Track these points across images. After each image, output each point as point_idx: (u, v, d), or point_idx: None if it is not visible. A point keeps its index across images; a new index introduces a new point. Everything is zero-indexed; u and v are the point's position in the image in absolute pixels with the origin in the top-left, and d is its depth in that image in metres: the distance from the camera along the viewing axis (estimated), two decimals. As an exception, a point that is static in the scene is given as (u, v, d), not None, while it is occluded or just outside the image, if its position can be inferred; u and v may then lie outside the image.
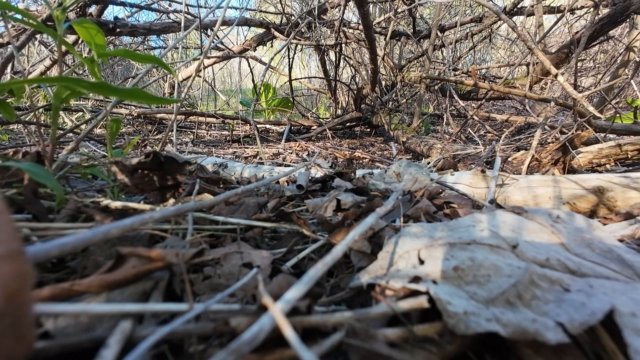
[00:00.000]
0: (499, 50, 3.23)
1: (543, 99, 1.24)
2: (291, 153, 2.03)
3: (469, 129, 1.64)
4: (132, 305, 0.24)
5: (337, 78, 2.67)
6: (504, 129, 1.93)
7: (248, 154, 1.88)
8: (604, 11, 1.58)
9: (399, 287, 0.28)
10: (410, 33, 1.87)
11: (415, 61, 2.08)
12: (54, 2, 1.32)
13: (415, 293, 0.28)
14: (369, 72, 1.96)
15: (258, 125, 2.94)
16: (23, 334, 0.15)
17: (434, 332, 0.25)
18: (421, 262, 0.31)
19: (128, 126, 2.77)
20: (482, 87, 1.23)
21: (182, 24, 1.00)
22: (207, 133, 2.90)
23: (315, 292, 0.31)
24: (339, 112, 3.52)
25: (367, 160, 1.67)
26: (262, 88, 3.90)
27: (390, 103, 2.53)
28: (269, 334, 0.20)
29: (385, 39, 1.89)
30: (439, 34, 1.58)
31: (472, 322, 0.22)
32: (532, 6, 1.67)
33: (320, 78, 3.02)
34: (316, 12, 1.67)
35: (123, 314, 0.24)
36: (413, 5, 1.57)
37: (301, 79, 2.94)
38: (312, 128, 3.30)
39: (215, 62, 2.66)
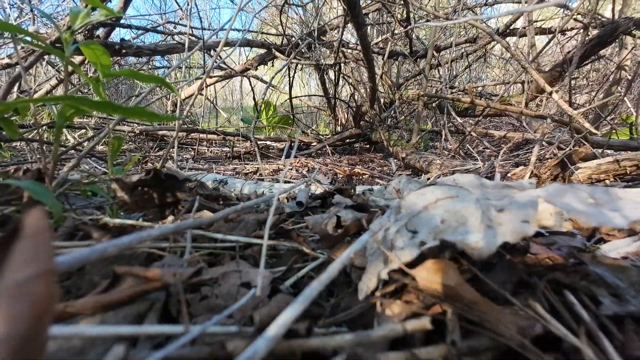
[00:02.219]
0: (494, 69, 3.32)
1: (539, 115, 1.26)
2: (291, 169, 2.04)
3: (468, 145, 1.65)
4: (126, 328, 0.23)
5: (337, 96, 2.72)
6: (502, 145, 1.95)
7: (248, 170, 1.88)
8: (594, 32, 1.64)
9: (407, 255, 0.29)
10: (407, 53, 1.93)
11: (413, 79, 2.13)
12: (64, 25, 1.37)
13: (417, 315, 0.27)
14: (368, 90, 2.00)
15: (258, 142, 2.97)
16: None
17: (438, 355, 0.24)
18: (414, 232, 0.32)
19: (130, 143, 2.80)
20: (479, 104, 1.26)
21: (186, 45, 1.04)
22: (207, 150, 2.92)
23: (314, 313, 0.30)
24: (339, 128, 3.57)
25: (366, 176, 1.67)
26: (263, 106, 3.97)
27: (389, 120, 2.57)
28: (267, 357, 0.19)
29: (383, 59, 1.94)
30: (435, 54, 1.63)
31: (489, 243, 0.26)
32: (525, 27, 1.73)
33: (319, 96, 3.09)
34: (316, 33, 1.73)
35: (117, 336, 0.23)
36: (409, 27, 1.64)
37: (301, 97, 3.00)
38: (312, 144, 3.34)
39: (217, 81, 2.72)
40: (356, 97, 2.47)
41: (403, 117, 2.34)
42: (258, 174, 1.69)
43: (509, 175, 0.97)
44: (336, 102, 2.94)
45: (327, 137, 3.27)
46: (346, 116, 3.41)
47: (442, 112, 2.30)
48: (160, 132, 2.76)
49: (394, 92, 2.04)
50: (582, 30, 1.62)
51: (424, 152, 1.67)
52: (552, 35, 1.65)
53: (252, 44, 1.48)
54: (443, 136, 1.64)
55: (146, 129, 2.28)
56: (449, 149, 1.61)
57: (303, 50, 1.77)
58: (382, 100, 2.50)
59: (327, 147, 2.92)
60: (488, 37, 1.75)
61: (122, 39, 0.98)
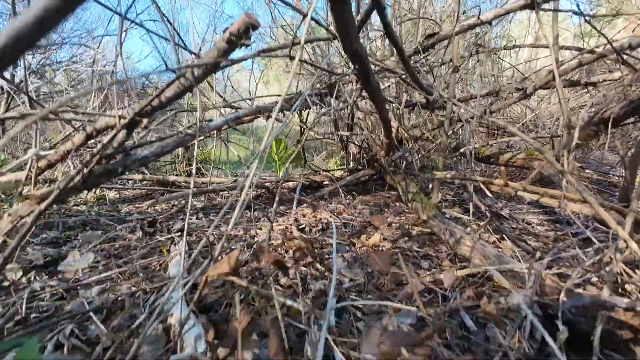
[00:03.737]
0: (516, 124, 3.13)
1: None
2: (303, 227, 1.92)
3: (502, 218, 1.49)
4: None
5: (350, 139, 2.62)
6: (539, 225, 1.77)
7: (256, 231, 1.77)
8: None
9: None
10: (425, 103, 1.82)
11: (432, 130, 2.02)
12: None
13: None
14: (383, 142, 1.89)
15: (267, 184, 2.87)
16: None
17: None
18: None
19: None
20: (514, 187, 1.11)
21: (197, 134, 0.96)
22: (219, 196, 2.85)
23: None
24: (351, 163, 3.45)
25: (389, 248, 1.52)
26: (273, 142, 3.92)
27: (404, 163, 2.44)
28: None
29: (398, 108, 1.84)
30: (454, 108, 1.51)
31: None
32: (552, 82, 1.59)
33: (331, 140, 3.00)
34: (330, 89, 1.65)
35: None
36: (428, 86, 1.54)
37: (315, 139, 2.91)
38: (324, 183, 3.22)
39: (228, 127, 2.68)
40: (370, 144, 2.36)
41: (420, 163, 2.20)
42: (267, 238, 1.57)
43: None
44: (348, 142, 2.85)
45: (339, 177, 3.15)
46: (359, 150, 3.30)
47: (462, 156, 2.15)
48: (171, 178, 2.72)
49: (411, 143, 1.91)
50: (622, 85, 1.47)
51: (448, 219, 1.52)
52: (583, 88, 1.51)
53: (264, 109, 1.42)
54: (471, 208, 1.49)
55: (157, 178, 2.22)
56: (477, 222, 1.45)
57: (316, 101, 1.69)
58: (396, 142, 2.38)
59: (340, 188, 2.80)
60: (510, 89, 1.62)
61: (126, 153, 0.79)
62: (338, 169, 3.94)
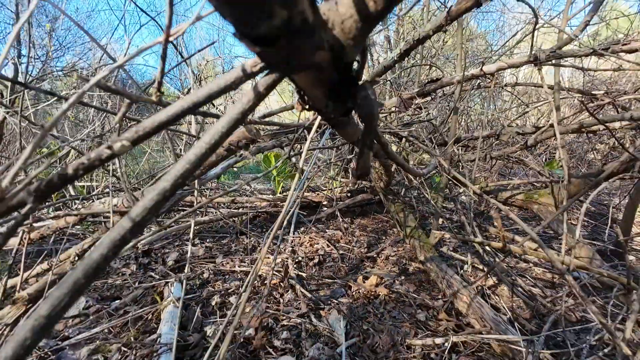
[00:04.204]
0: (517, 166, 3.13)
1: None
2: (299, 260, 1.90)
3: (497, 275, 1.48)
4: None
5: (349, 167, 2.61)
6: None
7: (242, 266, 1.75)
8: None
9: None
10: (426, 138, 1.81)
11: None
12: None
13: None
14: (382, 175, 1.88)
15: (264, 204, 2.86)
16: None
17: None
18: None
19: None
20: (514, 250, 1.11)
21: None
22: (216, 212, 2.82)
23: None
24: (349, 186, 3.44)
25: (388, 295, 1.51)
26: (271, 155, 3.90)
27: (403, 191, 2.43)
28: None
29: (399, 144, 1.84)
30: (454, 148, 1.50)
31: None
32: (552, 136, 1.59)
33: (333, 163, 2.99)
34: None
35: None
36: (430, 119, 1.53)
37: (316, 170, 2.89)
38: (323, 204, 3.21)
39: (237, 161, 2.66)
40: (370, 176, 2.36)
41: (419, 203, 2.19)
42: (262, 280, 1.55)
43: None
44: (348, 167, 2.84)
45: (338, 198, 3.14)
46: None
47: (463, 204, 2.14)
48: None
49: (410, 181, 1.91)
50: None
51: (445, 265, 1.51)
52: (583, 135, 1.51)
53: (264, 149, 1.42)
54: (469, 261, 1.48)
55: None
56: (472, 281, 1.44)
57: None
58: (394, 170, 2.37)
59: (338, 212, 2.78)
60: (511, 134, 1.62)
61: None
62: (337, 187, 3.92)
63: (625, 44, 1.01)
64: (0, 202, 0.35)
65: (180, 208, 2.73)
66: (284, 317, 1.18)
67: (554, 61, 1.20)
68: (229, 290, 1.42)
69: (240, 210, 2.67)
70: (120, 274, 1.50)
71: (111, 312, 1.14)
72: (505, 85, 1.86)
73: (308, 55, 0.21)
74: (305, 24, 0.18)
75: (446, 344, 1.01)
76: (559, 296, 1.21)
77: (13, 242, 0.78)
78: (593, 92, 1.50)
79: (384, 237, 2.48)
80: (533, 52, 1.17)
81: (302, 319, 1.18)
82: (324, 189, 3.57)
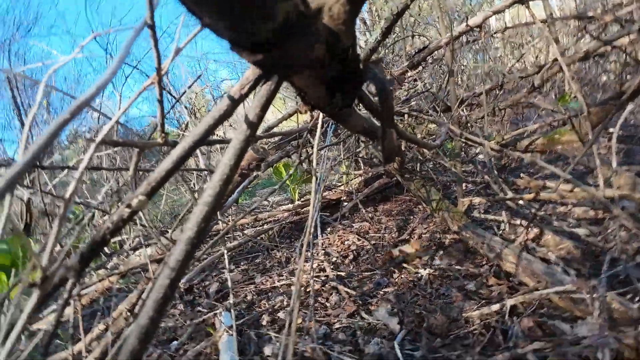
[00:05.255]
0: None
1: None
2: (334, 260, 1.89)
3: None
4: None
5: (359, 156, 2.60)
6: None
7: (281, 280, 1.75)
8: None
9: None
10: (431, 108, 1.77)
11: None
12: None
13: None
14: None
15: (286, 214, 2.87)
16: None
17: None
18: None
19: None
20: (550, 197, 1.06)
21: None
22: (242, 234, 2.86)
23: None
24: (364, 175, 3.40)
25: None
26: (281, 167, 3.92)
27: (419, 166, 2.38)
28: None
29: (403, 121, 1.80)
30: (460, 111, 1.45)
31: None
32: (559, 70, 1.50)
33: (343, 158, 2.97)
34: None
35: None
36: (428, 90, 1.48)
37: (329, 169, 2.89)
38: (342, 200, 3.19)
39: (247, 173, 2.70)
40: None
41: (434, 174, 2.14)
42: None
43: None
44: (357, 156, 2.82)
45: (356, 190, 3.11)
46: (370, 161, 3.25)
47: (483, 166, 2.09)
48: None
49: (422, 154, 1.87)
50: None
51: (480, 228, 1.46)
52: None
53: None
54: (504, 218, 1.43)
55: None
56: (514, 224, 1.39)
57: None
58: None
59: (359, 203, 2.76)
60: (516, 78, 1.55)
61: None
62: (353, 179, 3.89)
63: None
64: (46, 283, 0.37)
65: (208, 239, 2.78)
66: (335, 320, 1.18)
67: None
68: (275, 307, 1.43)
69: (265, 226, 2.69)
70: (170, 315, 1.55)
71: (172, 354, 1.18)
72: (496, 33, 1.79)
73: (307, 52, 0.20)
74: (301, 18, 0.18)
75: (504, 309, 0.98)
76: (611, 231, 1.15)
77: (68, 312, 0.82)
78: (589, 15, 1.41)
79: (411, 217, 2.44)
80: (516, -9, 1.12)
81: (352, 318, 1.18)
82: (340, 184, 3.56)
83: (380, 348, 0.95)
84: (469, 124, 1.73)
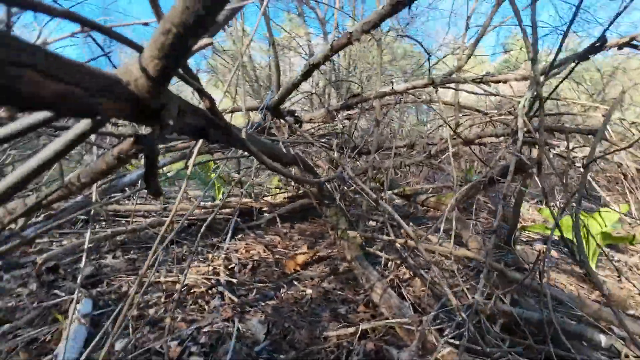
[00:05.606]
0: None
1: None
2: (232, 267, 1.88)
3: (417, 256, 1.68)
4: None
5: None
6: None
7: (168, 276, 1.67)
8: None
9: None
10: (351, 148, 1.98)
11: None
12: None
13: None
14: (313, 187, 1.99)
15: (202, 211, 2.75)
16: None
17: None
18: None
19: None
20: (415, 245, 1.28)
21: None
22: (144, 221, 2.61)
23: None
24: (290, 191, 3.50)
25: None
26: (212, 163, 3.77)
27: (338, 196, 2.56)
28: None
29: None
30: (376, 157, 1.67)
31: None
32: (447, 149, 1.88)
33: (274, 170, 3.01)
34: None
35: None
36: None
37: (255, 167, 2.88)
38: (263, 210, 3.20)
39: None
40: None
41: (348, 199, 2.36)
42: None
43: None
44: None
45: (279, 203, 3.17)
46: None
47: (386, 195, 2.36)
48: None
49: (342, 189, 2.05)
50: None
51: (366, 262, 1.65)
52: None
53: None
54: (383, 259, 1.65)
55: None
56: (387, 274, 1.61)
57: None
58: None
59: (277, 218, 2.81)
60: (424, 145, 1.89)
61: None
62: (280, 192, 3.94)
63: (493, 76, 1.29)
64: None
65: (107, 218, 2.48)
66: (207, 324, 1.17)
67: (453, 85, 1.45)
68: (150, 302, 1.35)
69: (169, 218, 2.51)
70: (15, 294, 1.32)
71: (-2, 339, 1.00)
72: (422, 102, 2.14)
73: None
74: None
75: (357, 333, 1.12)
76: (448, 279, 1.42)
77: None
78: (486, 111, 1.83)
79: (321, 240, 2.58)
80: (430, 76, 1.40)
81: (225, 323, 1.19)
82: (267, 195, 3.58)
83: (238, 354, 0.98)
84: (382, 170, 1.99)
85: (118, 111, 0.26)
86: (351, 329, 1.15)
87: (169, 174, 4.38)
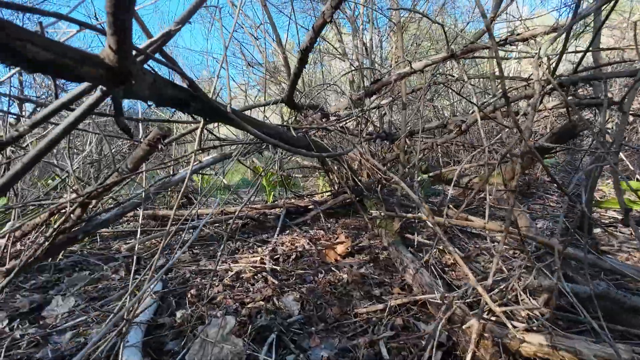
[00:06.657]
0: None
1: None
2: (277, 257, 2.03)
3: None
4: None
5: (329, 168, 2.77)
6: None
7: (223, 265, 1.88)
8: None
9: None
10: (384, 136, 1.97)
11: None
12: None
13: None
14: (344, 177, 2.04)
15: (253, 212, 3.01)
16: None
17: None
18: None
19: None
20: (451, 222, 1.23)
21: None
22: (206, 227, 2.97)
23: None
24: (336, 186, 3.58)
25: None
26: (260, 168, 4.08)
27: (379, 188, 2.56)
28: None
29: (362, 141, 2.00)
30: (407, 141, 1.65)
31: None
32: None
33: (315, 168, 3.15)
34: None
35: None
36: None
37: (296, 168, 3.06)
38: (309, 208, 3.34)
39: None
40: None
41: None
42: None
43: None
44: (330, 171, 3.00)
45: (324, 201, 3.28)
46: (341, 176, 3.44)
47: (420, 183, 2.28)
48: (160, 213, 2.87)
49: (376, 176, 2.05)
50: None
51: (401, 247, 1.63)
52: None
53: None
54: (415, 239, 1.60)
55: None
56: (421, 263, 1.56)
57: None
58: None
59: (321, 213, 2.92)
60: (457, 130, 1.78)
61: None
62: (326, 191, 4.06)
63: (519, 35, 1.18)
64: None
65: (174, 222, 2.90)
66: (250, 301, 1.32)
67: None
68: (206, 285, 1.56)
69: (224, 217, 2.82)
70: (110, 279, 1.67)
71: (96, 308, 1.29)
72: (440, 83, 2.03)
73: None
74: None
75: (386, 308, 1.13)
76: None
77: None
78: (525, 78, 1.65)
79: (364, 233, 2.60)
80: (450, 48, 1.34)
81: (264, 301, 1.32)
82: (314, 194, 3.73)
83: (272, 322, 1.09)
84: (413, 152, 1.93)
85: (99, 76, 0.38)
86: (380, 306, 1.17)
87: (230, 185, 4.85)
